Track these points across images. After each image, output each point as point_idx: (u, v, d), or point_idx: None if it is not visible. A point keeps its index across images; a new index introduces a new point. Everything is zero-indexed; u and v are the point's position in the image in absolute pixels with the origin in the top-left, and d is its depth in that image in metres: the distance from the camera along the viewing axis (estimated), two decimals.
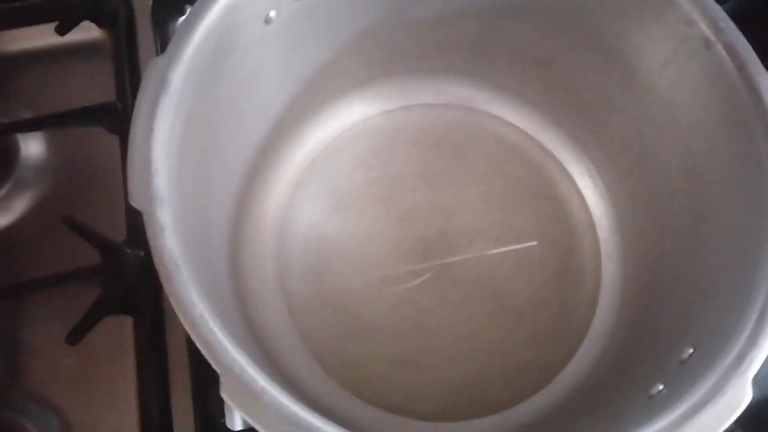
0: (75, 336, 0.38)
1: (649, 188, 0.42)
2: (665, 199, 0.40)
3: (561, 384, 0.42)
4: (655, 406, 0.30)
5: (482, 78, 0.48)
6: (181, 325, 0.40)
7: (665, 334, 0.37)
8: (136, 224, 0.42)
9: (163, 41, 0.46)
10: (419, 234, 0.45)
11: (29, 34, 0.48)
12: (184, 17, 0.46)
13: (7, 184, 0.45)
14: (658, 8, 0.36)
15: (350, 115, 0.48)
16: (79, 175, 0.46)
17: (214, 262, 0.36)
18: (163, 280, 0.28)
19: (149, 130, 0.30)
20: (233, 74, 0.35)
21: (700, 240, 0.37)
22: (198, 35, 0.32)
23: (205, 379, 0.39)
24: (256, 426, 0.26)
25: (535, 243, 0.45)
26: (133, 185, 0.29)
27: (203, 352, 0.27)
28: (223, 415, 0.39)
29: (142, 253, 0.41)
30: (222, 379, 0.27)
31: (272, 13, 0.36)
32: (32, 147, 0.46)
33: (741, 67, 0.34)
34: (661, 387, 0.32)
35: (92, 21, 0.47)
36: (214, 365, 0.27)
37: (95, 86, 0.47)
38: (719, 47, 0.34)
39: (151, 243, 0.28)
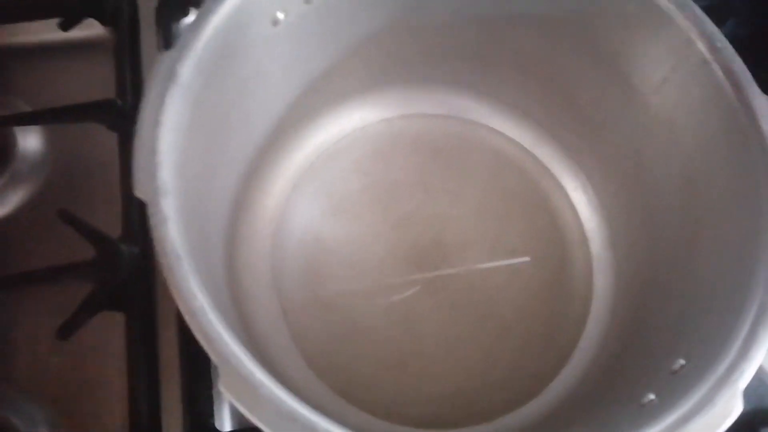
0: (66, 331, 0.38)
1: (643, 203, 0.42)
2: (659, 214, 0.41)
3: (552, 393, 0.42)
4: (646, 416, 0.30)
5: (482, 90, 0.48)
6: (173, 324, 0.41)
7: (657, 346, 0.37)
8: (131, 221, 0.42)
9: (166, 41, 0.46)
10: (414, 240, 0.45)
11: (32, 28, 0.48)
12: (190, 17, 0.47)
13: (3, 176, 0.44)
14: (657, 26, 0.36)
15: (350, 121, 0.48)
16: (76, 170, 0.46)
17: (212, 258, 0.36)
18: (164, 271, 0.28)
19: (156, 122, 0.30)
20: (239, 72, 0.36)
21: (694, 254, 0.37)
22: (208, 31, 0.32)
23: (196, 379, 0.39)
24: (252, 419, 0.26)
25: (527, 258, 0.46)
26: (138, 175, 0.29)
27: (202, 343, 0.27)
28: (212, 416, 0.38)
29: (137, 250, 0.41)
30: (220, 371, 0.27)
31: (280, 15, 0.36)
32: (30, 141, 0.46)
33: (737, 86, 0.34)
34: (652, 397, 0.32)
35: (95, 18, 0.47)
36: (212, 357, 0.27)
37: (96, 83, 0.47)
38: (716, 66, 0.35)
39: (154, 234, 0.28)
